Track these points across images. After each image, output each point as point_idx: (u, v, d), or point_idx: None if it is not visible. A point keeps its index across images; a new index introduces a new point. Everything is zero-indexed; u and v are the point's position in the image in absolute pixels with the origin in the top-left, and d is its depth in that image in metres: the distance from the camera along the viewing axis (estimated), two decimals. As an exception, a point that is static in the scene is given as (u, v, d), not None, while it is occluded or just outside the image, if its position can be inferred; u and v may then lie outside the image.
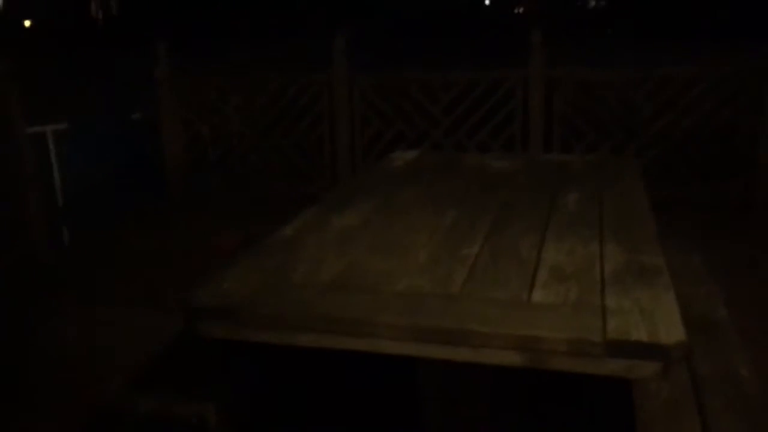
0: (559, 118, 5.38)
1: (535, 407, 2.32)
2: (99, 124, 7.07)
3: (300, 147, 5.92)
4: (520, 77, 5.38)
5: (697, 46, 9.28)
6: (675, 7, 16.62)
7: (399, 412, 2.20)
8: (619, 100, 5.37)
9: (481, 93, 5.52)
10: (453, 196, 2.68)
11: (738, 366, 2.19)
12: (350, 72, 5.69)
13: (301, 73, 5.95)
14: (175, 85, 6.01)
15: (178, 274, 4.17)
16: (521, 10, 31.88)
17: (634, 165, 3.22)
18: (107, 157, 6.41)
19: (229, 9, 18.12)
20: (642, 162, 3.59)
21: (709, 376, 2.13)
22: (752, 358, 2.32)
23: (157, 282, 4.14)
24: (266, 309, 1.72)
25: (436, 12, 26.77)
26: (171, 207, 5.94)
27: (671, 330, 1.53)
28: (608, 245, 2.06)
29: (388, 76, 5.79)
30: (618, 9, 21.94)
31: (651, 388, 1.99)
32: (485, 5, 31.11)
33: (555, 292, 1.74)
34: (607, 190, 2.72)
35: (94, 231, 5.16)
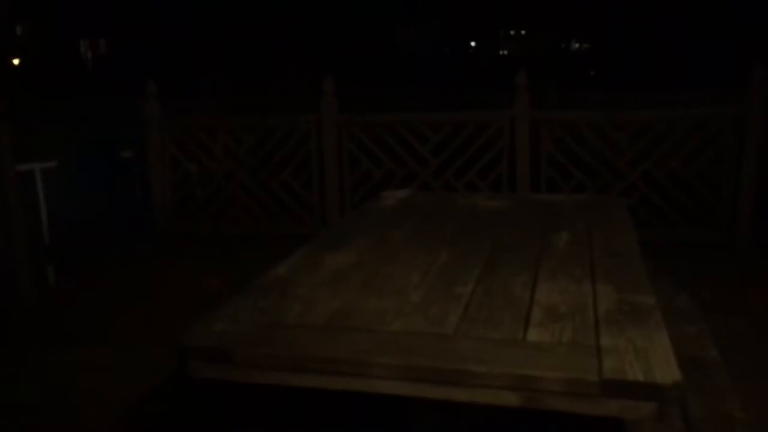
0: (545, 159, 5.43)
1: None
2: (88, 162, 7.05)
3: (288, 186, 5.93)
4: (506, 118, 5.44)
5: (677, 89, 9.46)
6: (655, 53, 16.98)
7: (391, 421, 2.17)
8: (604, 142, 5.44)
9: (469, 134, 5.58)
10: (445, 236, 2.70)
11: (730, 407, 2.20)
12: (339, 112, 5.73)
13: (290, 114, 5.99)
14: (164, 125, 6.02)
15: (166, 314, 4.13)
16: (506, 52, 32.42)
17: (622, 205, 3.25)
18: (96, 195, 6.38)
19: (217, 48, 18.31)
20: (628, 202, 3.62)
21: (702, 418, 2.13)
22: (744, 399, 2.33)
23: (145, 322, 4.10)
24: (260, 349, 1.71)
25: (423, 53, 27.20)
26: (159, 246, 5.90)
27: (666, 370, 1.53)
28: (600, 284, 2.08)
29: (377, 116, 5.84)
30: (601, 52, 22.38)
31: (645, 428, 1.98)
32: (471, 46, 31.61)
33: (550, 332, 1.75)
34: (596, 229, 2.74)
35: (81, 270, 5.12)
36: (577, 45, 28.86)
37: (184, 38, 18.69)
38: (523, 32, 32.09)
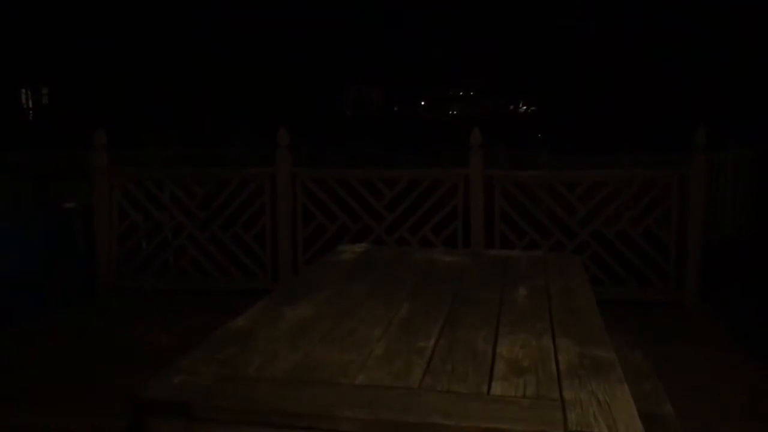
0: (499, 216, 5.51)
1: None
2: (28, 214, 6.83)
3: (240, 240, 5.84)
4: (461, 176, 5.52)
5: (620, 152, 9.75)
6: (598, 118, 17.60)
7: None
8: (556, 200, 5.56)
9: (424, 190, 5.64)
10: (405, 290, 2.69)
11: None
12: (293, 166, 5.73)
13: (242, 167, 5.96)
14: (112, 175, 5.90)
15: (110, 373, 3.96)
16: (455, 111, 33.16)
17: (577, 261, 3.31)
18: (36, 247, 6.16)
19: (166, 102, 18.22)
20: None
21: (660, 473, 2.14)
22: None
23: (87, 382, 3.90)
24: (221, 403, 1.66)
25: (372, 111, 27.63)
26: (103, 301, 5.66)
27: (630, 424, 1.55)
28: (560, 339, 2.10)
29: (333, 170, 5.86)
30: (547, 114, 23.00)
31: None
32: (421, 105, 32.23)
33: (514, 385, 1.75)
34: (553, 285, 2.78)
35: (19, 328, 4.85)
36: (524, 107, 29.68)
37: (132, 88, 18.54)
38: (471, 93, 32.92)
